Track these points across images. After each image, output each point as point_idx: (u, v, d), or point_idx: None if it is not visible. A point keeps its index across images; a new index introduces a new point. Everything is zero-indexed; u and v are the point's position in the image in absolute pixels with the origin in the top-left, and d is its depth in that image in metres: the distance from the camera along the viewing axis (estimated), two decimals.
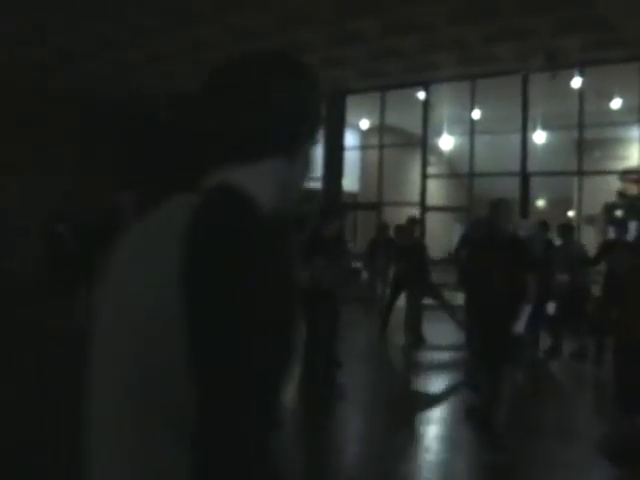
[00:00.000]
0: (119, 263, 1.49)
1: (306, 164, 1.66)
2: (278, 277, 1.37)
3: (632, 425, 7.07)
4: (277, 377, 1.38)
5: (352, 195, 22.44)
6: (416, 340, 12.54)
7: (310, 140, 1.65)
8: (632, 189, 16.83)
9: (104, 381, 1.44)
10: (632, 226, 13.81)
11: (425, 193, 19.45)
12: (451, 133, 21.39)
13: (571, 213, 17.66)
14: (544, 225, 12.74)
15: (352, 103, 20.36)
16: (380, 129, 20.89)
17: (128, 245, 1.50)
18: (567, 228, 12.70)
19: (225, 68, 1.61)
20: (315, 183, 20.35)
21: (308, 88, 1.62)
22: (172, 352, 1.30)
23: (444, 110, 19.58)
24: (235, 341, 1.28)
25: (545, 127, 19.02)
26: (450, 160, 21.89)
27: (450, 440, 7.36)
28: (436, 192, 20.59)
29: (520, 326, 7.03)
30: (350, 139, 21.72)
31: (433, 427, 7.85)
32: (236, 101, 1.56)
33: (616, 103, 17.49)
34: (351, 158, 21.73)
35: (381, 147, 20.65)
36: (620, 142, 18.71)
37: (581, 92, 16.44)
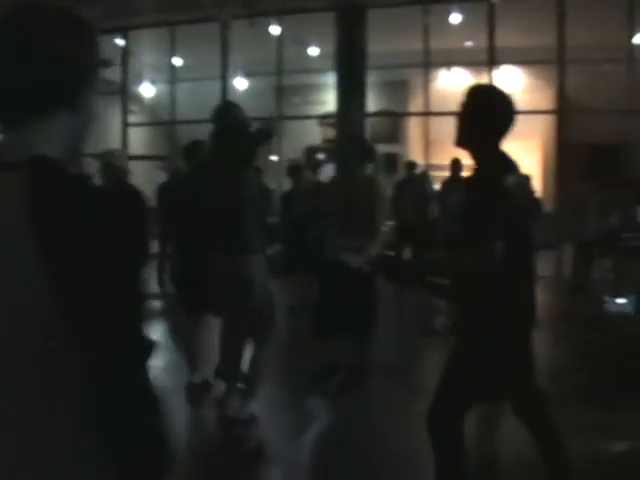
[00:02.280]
0: None
1: (89, 114, 1.67)
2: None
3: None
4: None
5: None
6: None
7: (89, 90, 1.64)
8: (330, 133, 17.69)
9: None
10: (329, 167, 14.66)
11: (127, 142, 18.95)
12: (152, 81, 21.08)
13: (274, 157, 18.12)
14: None
15: None
16: None
17: None
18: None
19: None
20: None
21: (79, 37, 1.62)
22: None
23: (144, 57, 19.15)
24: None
25: (245, 74, 19.32)
26: (152, 108, 21.55)
27: None
28: (138, 141, 20.15)
29: None
30: None
31: None
32: (11, 58, 1.53)
33: (313, 50, 18.18)
34: None
35: None
36: (317, 88, 19.52)
37: (280, 39, 16.89)
